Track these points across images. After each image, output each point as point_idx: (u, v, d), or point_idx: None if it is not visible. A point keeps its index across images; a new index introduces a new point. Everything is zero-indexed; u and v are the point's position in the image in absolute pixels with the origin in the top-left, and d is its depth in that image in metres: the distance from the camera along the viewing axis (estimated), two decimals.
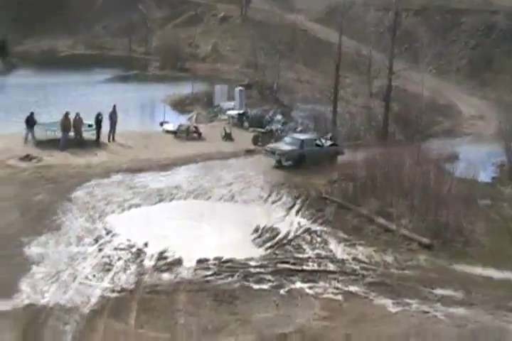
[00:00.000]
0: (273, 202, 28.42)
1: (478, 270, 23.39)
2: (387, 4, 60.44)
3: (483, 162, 36.67)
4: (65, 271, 20.45)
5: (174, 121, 41.14)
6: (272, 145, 34.04)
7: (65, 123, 33.36)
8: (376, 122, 42.97)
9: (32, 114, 34.56)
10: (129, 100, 44.92)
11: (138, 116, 43.60)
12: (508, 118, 36.92)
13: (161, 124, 40.27)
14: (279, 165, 33.30)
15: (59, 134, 33.77)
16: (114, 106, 36.52)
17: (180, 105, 47.47)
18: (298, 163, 32.96)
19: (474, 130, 45.05)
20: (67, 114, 33.52)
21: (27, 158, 31.24)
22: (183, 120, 42.39)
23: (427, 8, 71.16)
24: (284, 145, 33.54)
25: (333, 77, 44.51)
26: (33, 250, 21.80)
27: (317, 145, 34.20)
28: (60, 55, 64.16)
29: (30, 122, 34.18)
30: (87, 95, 47.00)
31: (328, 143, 35.08)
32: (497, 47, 61.81)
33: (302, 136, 34.81)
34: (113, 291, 19.46)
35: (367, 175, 29.92)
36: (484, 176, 34.58)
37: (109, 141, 35.69)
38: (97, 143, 34.79)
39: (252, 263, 22.18)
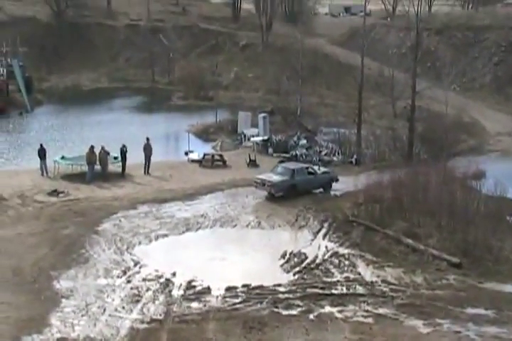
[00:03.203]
0: (300, 227, 28.57)
1: (509, 287, 23.37)
2: (408, 24, 60.55)
3: (511, 178, 36.36)
4: (94, 303, 20.81)
5: (199, 150, 41.41)
6: (261, 177, 32.73)
7: (91, 157, 33.93)
8: (401, 143, 42.84)
9: (41, 145, 35.34)
10: (153, 131, 45.29)
11: (163, 146, 43.85)
12: None
13: (186, 154, 40.64)
14: (270, 197, 32.48)
15: (85, 168, 34.24)
16: (148, 139, 36.96)
17: (204, 134, 47.71)
18: (289, 193, 32.17)
19: (501, 146, 44.77)
20: (92, 148, 34.10)
21: (54, 192, 31.72)
22: (207, 149, 42.66)
23: (448, 27, 71.18)
24: (274, 176, 32.52)
25: (356, 99, 44.70)
26: (62, 284, 22.24)
27: (310, 173, 33.59)
28: (83, 89, 65.12)
29: (41, 153, 34.90)
30: (111, 127, 47.52)
31: (322, 170, 34.68)
32: None
33: (293, 166, 33.94)
34: (142, 322, 19.75)
35: (393, 196, 29.91)
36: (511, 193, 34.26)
37: (144, 173, 36.03)
38: (122, 175, 35.19)
39: (281, 289, 22.37)
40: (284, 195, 32.23)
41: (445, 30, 70.70)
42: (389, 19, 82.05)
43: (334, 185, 34.41)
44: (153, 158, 36.96)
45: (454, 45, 68.70)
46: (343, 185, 34.52)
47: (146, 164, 36.18)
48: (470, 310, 21.25)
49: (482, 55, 65.46)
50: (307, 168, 33.99)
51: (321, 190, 33.80)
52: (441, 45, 69.51)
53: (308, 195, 32.88)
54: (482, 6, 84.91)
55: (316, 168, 34.48)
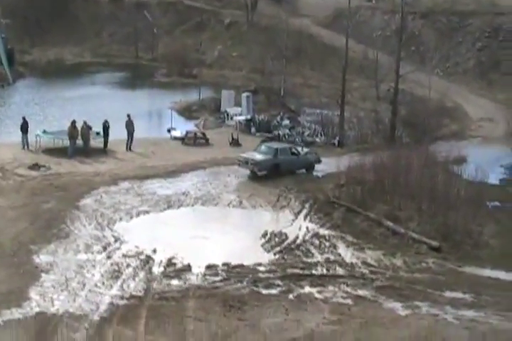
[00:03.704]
0: (281, 207, 28.50)
1: (488, 272, 23.46)
2: (394, 7, 60.39)
3: (492, 164, 36.53)
4: (74, 278, 20.63)
5: (182, 127, 41.22)
6: (245, 155, 32.59)
7: (72, 132, 33.54)
8: (383, 126, 42.82)
9: (24, 118, 34.92)
10: (136, 107, 44.99)
11: (145, 123, 43.47)
12: None
13: (169, 131, 40.34)
14: (253, 176, 32.38)
15: (67, 142, 33.89)
16: (129, 116, 36.57)
17: (187, 111, 47.42)
18: (272, 172, 32.20)
19: (483, 132, 44.81)
20: (73, 123, 33.71)
21: (35, 166, 31.38)
22: (190, 126, 42.42)
23: (433, 11, 71.03)
24: (258, 155, 32.44)
25: (339, 81, 44.55)
26: (42, 258, 22.00)
27: (293, 153, 33.56)
28: (66, 63, 64.33)
29: (24, 127, 34.50)
30: (94, 102, 46.99)
31: (305, 151, 34.61)
32: (504, 48, 61.59)
33: (276, 145, 34.04)
34: (122, 298, 19.61)
35: (375, 179, 29.92)
36: (493, 178, 34.42)
37: (126, 150, 35.76)
38: (104, 151, 34.90)
39: (261, 268, 22.33)
40: (267, 174, 32.15)
41: (430, 15, 70.48)
42: (374, 1, 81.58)
43: (316, 166, 34.34)
44: (135, 135, 36.69)
45: (439, 29, 68.53)
46: (325, 166, 34.48)
47: (128, 140, 35.88)
48: (448, 294, 21.32)
49: (466, 40, 65.39)
50: (290, 148, 33.94)
51: (304, 170, 33.67)
52: (425, 29, 69.32)
53: (291, 175, 32.82)
54: None
55: (299, 148, 34.37)
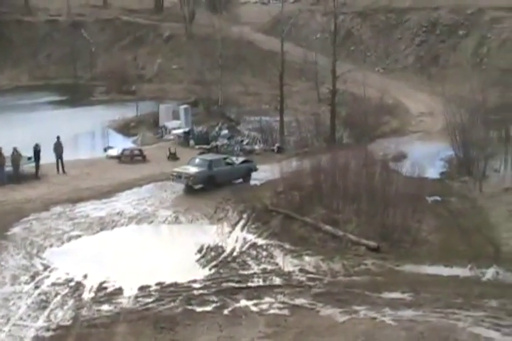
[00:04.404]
0: (218, 220, 28.04)
1: (426, 269, 23.37)
2: (332, 9, 60.43)
3: (432, 158, 36.58)
4: None
5: (119, 145, 40.53)
6: (178, 169, 31.97)
7: None
8: (324, 128, 42.64)
9: None
10: (73, 128, 44.29)
11: (82, 143, 42.81)
12: (452, 113, 36.69)
13: (105, 150, 39.73)
14: (188, 190, 31.80)
15: None
16: (58, 138, 35.72)
17: (125, 129, 46.83)
18: (208, 184, 31.66)
19: (423, 127, 44.95)
20: None
21: None
22: (128, 144, 41.80)
23: (371, 9, 71.39)
24: (192, 168, 31.82)
25: (278, 86, 44.36)
26: None
27: (228, 164, 33.16)
28: (2, 88, 63.09)
29: None
30: (30, 126, 45.86)
31: (240, 160, 34.23)
32: (442, 42, 62.03)
33: (210, 157, 33.60)
34: (48, 330, 18.90)
35: (313, 183, 29.64)
36: (433, 172, 34.42)
37: (58, 172, 34.94)
38: (36, 176, 34.01)
39: (196, 285, 21.83)
40: (204, 187, 31.64)
41: (368, 13, 70.84)
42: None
43: (255, 174, 34.01)
44: (71, 156, 36.24)
45: (377, 27, 69.05)
46: (264, 173, 34.08)
47: (58, 163, 35.08)
48: (387, 295, 21.05)
49: (404, 37, 65.88)
50: (225, 158, 33.50)
51: (241, 180, 33.25)
52: (364, 28, 69.75)
53: (228, 186, 32.34)
54: None
55: (234, 158, 33.94)
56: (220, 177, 32.06)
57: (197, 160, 32.65)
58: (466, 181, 33.24)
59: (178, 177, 31.50)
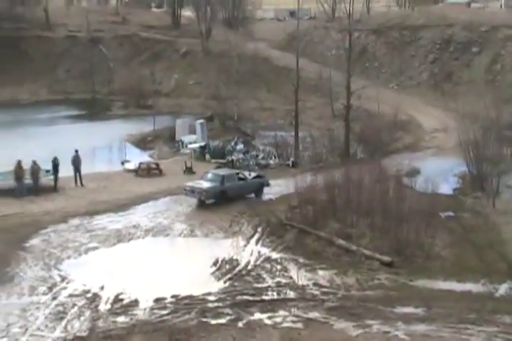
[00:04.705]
0: (233, 233, 28.06)
1: (439, 284, 23.24)
2: (347, 26, 60.59)
3: (445, 174, 36.50)
4: (16, 323, 19.92)
5: (136, 159, 40.76)
6: (191, 184, 32.02)
7: (19, 172, 32.83)
8: (338, 143, 42.69)
9: None
10: (92, 141, 44.63)
11: (100, 156, 43.03)
12: (466, 129, 36.64)
13: (122, 163, 39.92)
14: (200, 204, 31.78)
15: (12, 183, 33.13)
16: (76, 151, 36.04)
17: (142, 143, 47.09)
18: (220, 199, 31.70)
19: (436, 143, 44.87)
20: (19, 163, 32.99)
21: None
22: (145, 157, 42.00)
23: (385, 26, 71.61)
24: (204, 183, 31.86)
25: (293, 102, 44.52)
26: None
27: (240, 179, 33.00)
28: (21, 103, 63.63)
29: None
30: (49, 139, 46.17)
31: (253, 175, 34.09)
32: (456, 59, 62.06)
33: (222, 172, 33.55)
34: (65, 340, 18.99)
35: (327, 198, 29.62)
36: (446, 188, 34.39)
37: (76, 185, 35.19)
38: (55, 189, 34.24)
39: (211, 297, 21.83)
40: (216, 202, 31.69)
41: (382, 30, 71.03)
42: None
43: (270, 188, 34.08)
44: (89, 170, 36.49)
45: (392, 44, 69.15)
46: (278, 188, 34.21)
47: (76, 176, 35.36)
48: (400, 309, 20.98)
49: (418, 54, 65.94)
50: (237, 173, 33.49)
51: (253, 195, 33.35)
52: (378, 45, 69.88)
53: (243, 199, 32.41)
54: (417, 6, 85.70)
55: (246, 173, 34.00)
56: (232, 192, 32.03)
57: (209, 175, 32.62)
58: (479, 197, 33.10)
59: (191, 191, 31.55)
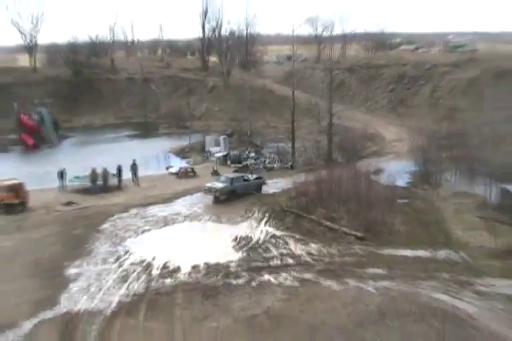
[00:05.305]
0: (248, 218, 27.94)
1: (399, 251, 23.04)
2: (328, 66, 60.32)
3: (401, 172, 36.25)
4: (93, 284, 20.04)
5: (177, 165, 40.75)
6: (209, 185, 31.17)
7: (93, 176, 33.10)
8: (324, 151, 42.43)
9: (63, 169, 34.02)
10: (144, 152, 44.78)
11: (150, 163, 42.76)
12: (415, 139, 36.63)
13: (167, 168, 39.92)
14: (216, 201, 30.86)
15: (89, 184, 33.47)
16: (134, 160, 36.03)
17: (181, 153, 46.95)
18: (230, 196, 30.89)
19: (394, 150, 44.53)
20: (94, 170, 33.28)
21: (69, 203, 30.79)
22: (183, 164, 41.93)
23: (356, 65, 71.39)
24: (218, 184, 31.09)
25: (291, 122, 44.31)
26: (70, 271, 21.39)
27: (245, 180, 32.18)
28: (95, 126, 63.78)
29: (60, 175, 33.79)
30: (114, 151, 46.28)
31: (254, 177, 33.47)
32: (408, 89, 61.60)
33: (232, 175, 32.69)
34: (127, 296, 19.05)
35: (316, 190, 29.48)
36: (402, 182, 34.17)
37: (134, 185, 35.09)
38: (119, 188, 34.30)
39: (232, 264, 21.84)
40: (227, 198, 31.06)
41: (355, 69, 70.80)
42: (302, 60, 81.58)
43: (274, 184, 33.89)
44: (142, 173, 36.32)
45: (361, 78, 68.80)
46: (280, 184, 34.01)
47: (133, 178, 35.46)
48: (370, 270, 20.93)
49: (381, 85, 65.56)
50: (243, 176, 32.90)
51: (254, 191, 32.63)
52: (352, 80, 69.58)
53: (248, 195, 31.72)
54: (379, 51, 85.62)
55: (249, 175, 33.64)
56: (239, 190, 31.56)
57: (222, 178, 32.14)
58: (426, 188, 32.90)
59: (209, 190, 31.12)
